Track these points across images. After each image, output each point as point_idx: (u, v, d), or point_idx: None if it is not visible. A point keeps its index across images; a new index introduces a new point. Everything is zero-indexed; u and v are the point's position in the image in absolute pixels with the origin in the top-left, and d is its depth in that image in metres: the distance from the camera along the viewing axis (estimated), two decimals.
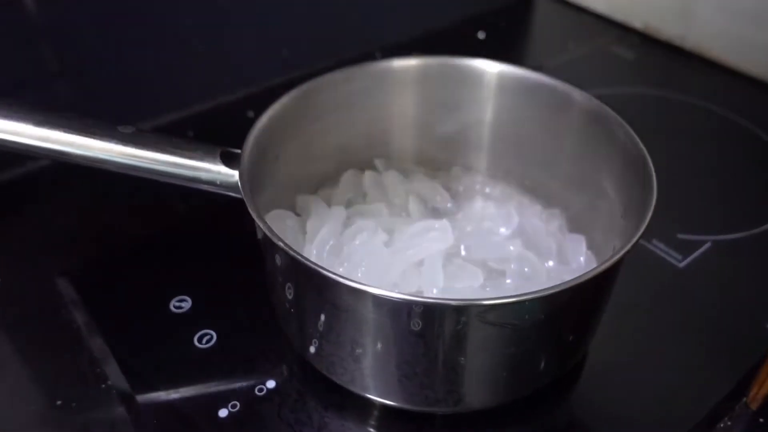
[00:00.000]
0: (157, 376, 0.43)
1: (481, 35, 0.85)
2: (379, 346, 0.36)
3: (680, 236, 0.54)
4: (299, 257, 0.33)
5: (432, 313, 0.32)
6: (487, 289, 0.43)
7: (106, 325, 0.46)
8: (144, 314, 0.47)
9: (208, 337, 0.45)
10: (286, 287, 0.38)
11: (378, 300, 0.33)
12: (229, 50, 0.71)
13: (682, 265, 0.51)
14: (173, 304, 0.47)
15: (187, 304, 0.47)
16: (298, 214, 0.48)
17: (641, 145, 0.40)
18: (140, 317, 0.47)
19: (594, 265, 0.46)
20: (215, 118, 0.69)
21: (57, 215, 0.55)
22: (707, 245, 0.53)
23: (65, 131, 0.39)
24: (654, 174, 0.38)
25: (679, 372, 0.44)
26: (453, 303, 0.32)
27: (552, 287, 0.32)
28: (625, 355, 0.45)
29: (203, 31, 0.68)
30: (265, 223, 0.35)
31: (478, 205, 0.50)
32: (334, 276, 0.32)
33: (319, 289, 0.35)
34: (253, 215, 0.36)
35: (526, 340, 0.35)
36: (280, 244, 0.34)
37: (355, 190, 0.51)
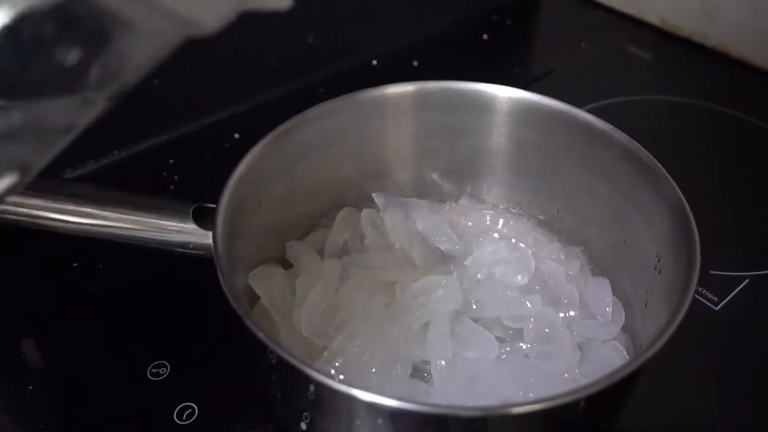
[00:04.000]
0: None
1: (485, 36, 0.79)
2: None
3: (714, 273, 0.48)
4: (280, 352, 0.28)
5: (440, 424, 0.27)
6: (503, 356, 0.37)
7: (74, 397, 0.41)
8: (117, 382, 0.42)
9: (189, 411, 0.40)
10: (269, 373, 0.33)
11: (371, 407, 0.27)
12: (215, 65, 0.65)
13: (718, 307, 0.46)
14: (150, 371, 0.42)
15: (165, 371, 0.42)
16: (289, 262, 0.43)
17: (684, 202, 0.35)
18: (113, 385, 0.42)
19: (621, 315, 0.41)
20: (198, 142, 0.63)
21: (21, 271, 0.50)
22: (745, 282, 0.48)
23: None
24: (698, 241, 0.32)
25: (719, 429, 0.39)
26: (465, 414, 0.26)
27: (587, 387, 0.27)
28: (657, 415, 0.40)
29: (185, 45, 0.62)
30: (241, 308, 0.30)
31: (490, 247, 0.44)
32: (319, 377, 0.27)
33: (304, 386, 0.30)
34: (228, 297, 0.30)
35: None
36: (260, 335, 0.29)
37: (352, 232, 0.46)
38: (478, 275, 0.43)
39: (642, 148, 0.38)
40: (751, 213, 0.54)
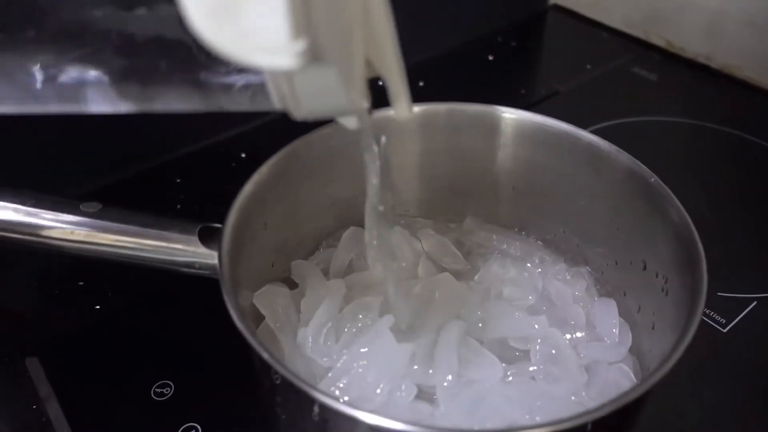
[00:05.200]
0: None
1: (490, 57, 0.79)
2: None
3: (721, 294, 0.48)
4: (284, 372, 0.28)
5: None
6: (509, 378, 0.37)
7: (78, 417, 0.41)
8: (121, 402, 0.42)
9: (192, 431, 0.40)
10: (274, 394, 0.33)
11: (376, 430, 0.27)
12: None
13: (726, 329, 0.46)
14: (154, 390, 0.42)
15: (169, 391, 0.42)
16: (294, 281, 0.43)
17: (690, 223, 0.34)
18: (117, 406, 0.42)
19: (628, 337, 0.41)
20: (206, 161, 0.63)
21: (25, 290, 0.50)
22: (753, 304, 0.47)
23: (15, 212, 0.34)
24: (705, 265, 0.32)
25: None
26: None
27: (594, 411, 0.26)
28: None
29: None
30: (246, 327, 0.30)
31: (496, 267, 0.44)
32: (323, 398, 0.27)
33: (308, 407, 0.30)
34: (233, 316, 0.30)
35: None
36: (265, 355, 0.29)
37: (357, 251, 0.46)
38: (485, 295, 0.43)
39: (647, 169, 0.38)
40: (758, 234, 0.54)
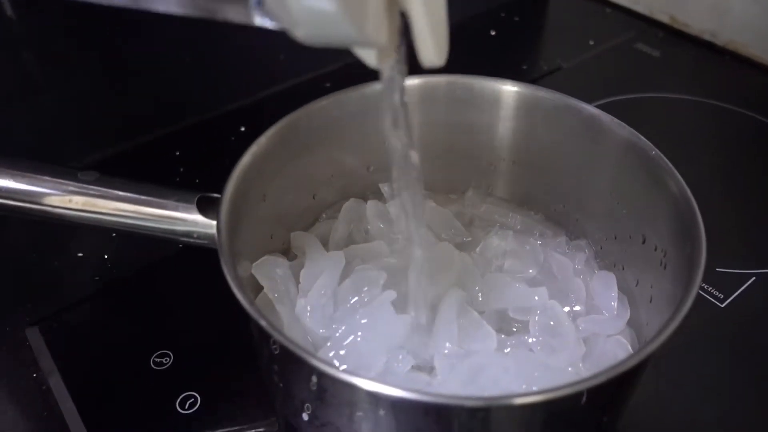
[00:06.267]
0: None
1: (493, 32, 0.78)
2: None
3: (720, 270, 0.48)
4: (282, 340, 0.28)
5: (442, 414, 0.27)
6: (508, 349, 0.37)
7: (78, 386, 0.41)
8: (121, 371, 0.42)
9: (191, 400, 0.40)
10: (272, 363, 0.33)
11: (373, 397, 0.27)
12: (222, 58, 0.65)
13: (724, 304, 0.46)
14: (153, 360, 0.42)
15: (168, 360, 0.42)
16: (293, 254, 0.43)
17: (690, 196, 0.34)
18: (117, 375, 0.42)
19: (626, 310, 0.41)
20: (205, 135, 0.63)
21: (25, 260, 0.50)
22: (752, 280, 0.47)
23: (14, 179, 0.34)
24: (704, 238, 0.32)
25: (724, 428, 0.39)
26: (468, 404, 0.26)
27: (589, 379, 0.27)
28: (663, 412, 0.40)
29: (193, 38, 0.62)
30: (244, 296, 0.30)
31: (498, 239, 0.44)
32: (321, 365, 0.27)
33: (306, 375, 0.30)
34: (231, 285, 0.30)
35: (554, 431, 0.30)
36: (263, 323, 0.29)
37: (357, 223, 0.46)
38: (487, 266, 0.43)
39: (648, 142, 0.38)
40: (758, 211, 0.54)
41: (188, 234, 0.35)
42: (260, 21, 0.23)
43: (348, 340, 0.35)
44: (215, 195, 0.36)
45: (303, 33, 0.22)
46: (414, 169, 0.31)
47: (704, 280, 0.47)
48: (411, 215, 0.32)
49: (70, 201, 0.34)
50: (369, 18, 0.22)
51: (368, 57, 0.26)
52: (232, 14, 0.23)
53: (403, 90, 0.28)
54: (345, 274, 0.40)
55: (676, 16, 0.77)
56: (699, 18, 0.75)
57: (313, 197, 0.45)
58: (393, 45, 0.25)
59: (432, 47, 0.25)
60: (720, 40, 0.74)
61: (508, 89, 0.43)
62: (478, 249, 0.44)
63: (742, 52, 0.72)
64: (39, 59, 0.56)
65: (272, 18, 0.22)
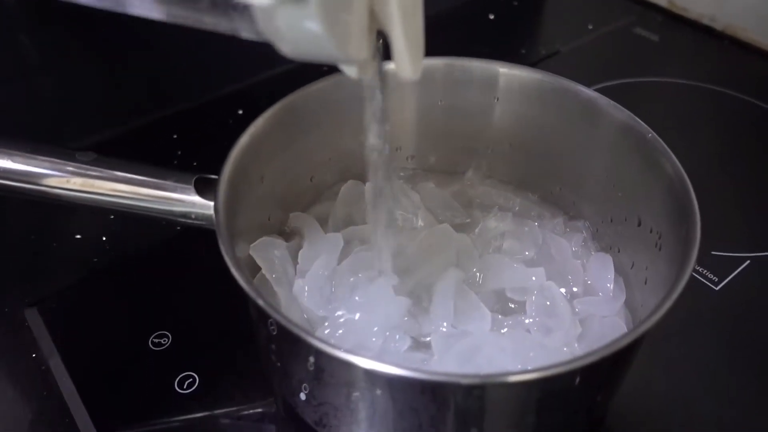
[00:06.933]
0: (133, 428, 0.38)
1: (491, 16, 0.78)
2: (376, 411, 0.31)
3: (715, 253, 0.48)
4: (280, 319, 0.28)
5: (438, 392, 0.27)
6: (504, 329, 0.38)
7: (77, 366, 0.41)
8: (120, 352, 0.43)
9: (190, 380, 0.40)
10: (269, 342, 0.33)
11: (369, 375, 0.28)
12: (221, 40, 0.64)
13: (718, 287, 0.46)
14: (152, 340, 0.43)
15: (167, 341, 0.43)
16: (291, 235, 0.43)
17: (686, 178, 0.34)
18: (116, 355, 0.42)
19: (622, 293, 0.41)
20: (203, 117, 0.63)
21: (24, 241, 0.50)
22: (746, 263, 0.48)
23: (12, 159, 0.34)
24: (699, 217, 0.32)
25: (718, 410, 0.40)
26: (463, 382, 0.26)
27: (583, 357, 0.27)
28: (657, 394, 0.40)
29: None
30: (242, 276, 0.30)
31: (496, 221, 0.44)
32: (319, 344, 0.27)
33: (303, 355, 0.30)
34: (229, 264, 0.30)
35: (549, 409, 0.30)
36: (261, 303, 0.29)
37: (356, 205, 0.46)
38: (485, 247, 0.43)
39: (644, 125, 0.38)
40: (754, 195, 0.54)
41: (186, 215, 0.36)
42: (247, 34, 0.24)
43: (346, 320, 0.35)
44: (213, 176, 0.36)
45: (289, 49, 0.24)
46: (387, 157, 0.35)
47: (699, 263, 0.48)
48: (383, 196, 0.35)
49: (68, 182, 0.34)
50: (352, 38, 0.25)
51: (349, 70, 0.28)
52: (222, 26, 0.23)
53: (381, 96, 0.31)
54: (343, 256, 0.40)
55: (674, 0, 0.77)
56: (698, 2, 0.75)
57: (312, 179, 0.46)
58: (372, 59, 0.28)
59: (409, 64, 0.28)
60: (719, 24, 0.73)
61: (507, 71, 0.43)
62: (476, 230, 0.45)
63: (741, 37, 0.72)
64: (37, 42, 0.55)
65: (259, 31, 0.23)
